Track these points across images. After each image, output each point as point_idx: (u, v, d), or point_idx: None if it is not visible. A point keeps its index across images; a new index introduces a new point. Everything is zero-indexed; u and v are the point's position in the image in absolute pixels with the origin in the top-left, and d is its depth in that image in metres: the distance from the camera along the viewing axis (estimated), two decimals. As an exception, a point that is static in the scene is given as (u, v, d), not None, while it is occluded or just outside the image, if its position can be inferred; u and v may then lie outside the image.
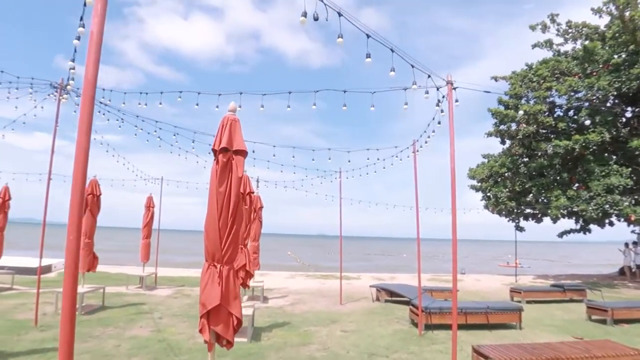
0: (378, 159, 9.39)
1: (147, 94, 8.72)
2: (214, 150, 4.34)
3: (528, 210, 24.66)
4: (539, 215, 25.21)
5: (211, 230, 4.22)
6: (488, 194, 23.47)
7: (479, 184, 24.70)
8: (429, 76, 5.61)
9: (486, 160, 25.52)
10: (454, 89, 5.88)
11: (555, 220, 25.51)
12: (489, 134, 25.50)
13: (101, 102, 9.35)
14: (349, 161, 9.62)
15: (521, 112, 20.51)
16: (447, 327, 9.46)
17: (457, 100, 5.66)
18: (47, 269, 17.96)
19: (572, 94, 20.33)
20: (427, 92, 5.96)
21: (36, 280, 9.16)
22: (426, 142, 7.80)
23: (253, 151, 11.16)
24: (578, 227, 25.08)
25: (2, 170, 15.99)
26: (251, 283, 12.92)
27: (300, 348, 7.78)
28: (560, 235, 25.80)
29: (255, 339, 8.23)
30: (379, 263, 43.20)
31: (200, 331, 4.18)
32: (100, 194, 11.13)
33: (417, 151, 8.53)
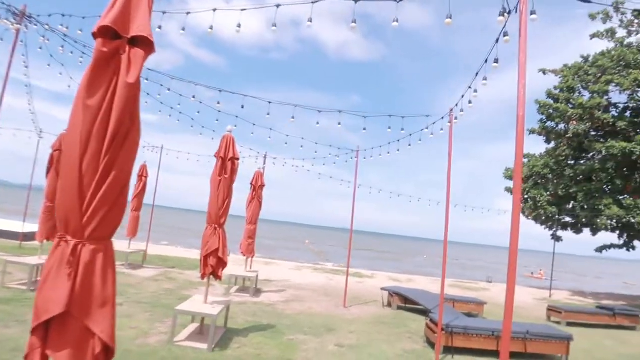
0: (403, 130, 7.31)
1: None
2: (93, 34, 2.38)
3: (567, 219, 22.07)
4: (579, 226, 22.58)
5: (67, 173, 2.28)
6: (526, 197, 20.96)
7: (516, 185, 22.20)
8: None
9: (526, 160, 22.97)
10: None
11: (595, 232, 22.81)
12: (532, 132, 22.92)
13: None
14: (364, 129, 7.57)
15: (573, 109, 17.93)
16: (473, 352, 7.37)
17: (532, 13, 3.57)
18: (32, 236, 16.63)
19: (638, 89, 17.62)
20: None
21: (17, 246, 7.48)
22: (470, 104, 5.69)
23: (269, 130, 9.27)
24: (621, 242, 22.36)
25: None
26: (244, 272, 11.12)
27: (275, 366, 5.86)
28: (600, 250, 23.09)
29: (220, 346, 6.33)
30: (397, 262, 40.98)
31: (26, 358, 2.24)
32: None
33: (456, 119, 6.43)
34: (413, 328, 9.10)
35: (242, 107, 7.85)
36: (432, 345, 7.63)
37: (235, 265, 12.39)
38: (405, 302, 10.99)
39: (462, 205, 19.59)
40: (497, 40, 4.48)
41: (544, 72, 23.58)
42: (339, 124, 7.35)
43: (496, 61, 4.90)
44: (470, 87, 5.50)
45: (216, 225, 6.67)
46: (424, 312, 10.44)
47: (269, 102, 7.30)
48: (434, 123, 7.48)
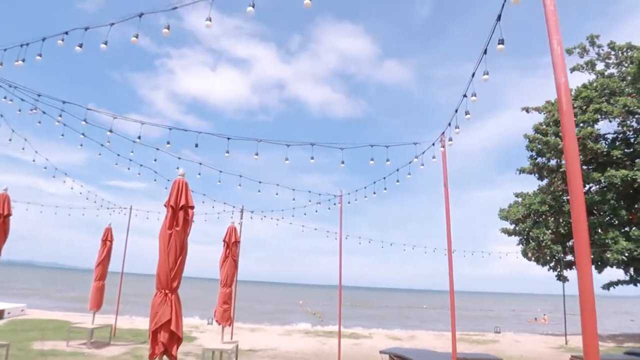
0: (388, 162, 6.22)
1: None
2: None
3: (570, 257, 20.82)
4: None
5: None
6: (527, 237, 19.79)
7: (514, 226, 21.06)
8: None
9: (520, 199, 22.02)
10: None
11: (601, 269, 21.57)
12: (522, 171, 22.17)
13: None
14: (343, 163, 6.45)
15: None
16: None
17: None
18: (-2, 314, 15.21)
19: (628, 115, 17.03)
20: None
21: None
22: (467, 116, 4.65)
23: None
24: (627, 277, 21.10)
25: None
26: (219, 345, 9.58)
27: None
28: (607, 287, 21.76)
29: None
30: (396, 317, 38.86)
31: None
32: (8, 214, 8.07)
33: (449, 143, 5.36)
34: (422, 400, 7.57)
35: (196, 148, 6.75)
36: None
37: (216, 335, 10.80)
38: (410, 365, 9.43)
39: (460, 250, 18.31)
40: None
41: (527, 110, 23.21)
42: (312, 158, 6.24)
43: (486, 73, 3.98)
44: (465, 95, 4.49)
45: (167, 291, 5.34)
46: (433, 377, 8.92)
47: (228, 139, 6.20)
48: (423, 153, 6.42)
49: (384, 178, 7.22)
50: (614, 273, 21.92)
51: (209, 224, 12.92)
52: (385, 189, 7.46)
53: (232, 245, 9.79)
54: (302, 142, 6.32)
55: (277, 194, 9.03)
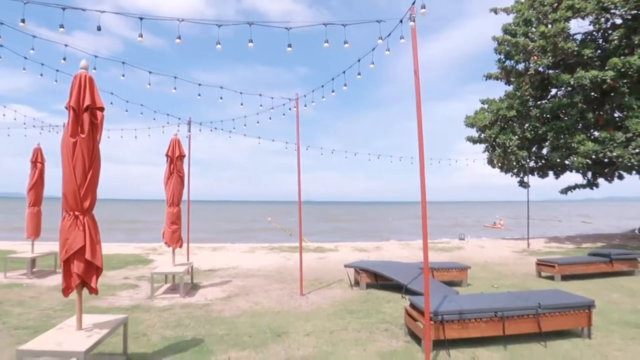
0: (346, 44, 5.08)
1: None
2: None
3: (532, 164, 20.77)
4: (545, 169, 21.41)
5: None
6: (493, 144, 19.39)
7: (480, 133, 20.58)
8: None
9: (486, 106, 21.38)
10: None
11: (559, 175, 21.78)
12: (489, 76, 21.29)
13: None
14: (290, 46, 5.26)
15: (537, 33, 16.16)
16: (472, 342, 5.46)
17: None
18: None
19: (602, 12, 16.02)
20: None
21: None
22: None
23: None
24: (585, 181, 21.44)
25: None
26: (170, 268, 8.80)
27: None
28: (565, 191, 22.15)
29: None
30: (362, 230, 39.52)
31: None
32: None
33: (421, 12, 4.25)
34: (388, 314, 7.10)
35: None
36: (416, 338, 5.65)
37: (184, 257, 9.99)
38: (376, 278, 9.00)
39: (427, 159, 17.76)
40: None
41: (495, 11, 21.87)
42: (250, 41, 5.02)
43: None
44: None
45: (77, 212, 4.30)
46: (400, 288, 8.51)
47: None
48: (389, 35, 5.27)
49: (344, 72, 6.11)
50: (572, 178, 22.21)
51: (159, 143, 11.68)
52: (345, 85, 6.38)
53: (176, 159, 8.68)
54: (238, 21, 5.03)
55: (221, 99, 7.79)
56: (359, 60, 5.77)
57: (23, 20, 5.53)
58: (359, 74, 5.90)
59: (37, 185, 10.96)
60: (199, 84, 7.47)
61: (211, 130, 10.43)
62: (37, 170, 10.91)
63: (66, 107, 4.40)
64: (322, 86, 6.86)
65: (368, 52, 5.49)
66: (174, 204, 8.73)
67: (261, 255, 14.98)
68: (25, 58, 7.46)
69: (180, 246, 8.96)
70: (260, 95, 8.04)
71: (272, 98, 8.21)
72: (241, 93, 7.98)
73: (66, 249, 4.27)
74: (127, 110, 9.60)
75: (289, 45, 5.38)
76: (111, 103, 9.18)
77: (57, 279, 10.13)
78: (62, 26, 5.62)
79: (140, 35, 5.49)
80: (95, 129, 4.41)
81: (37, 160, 10.94)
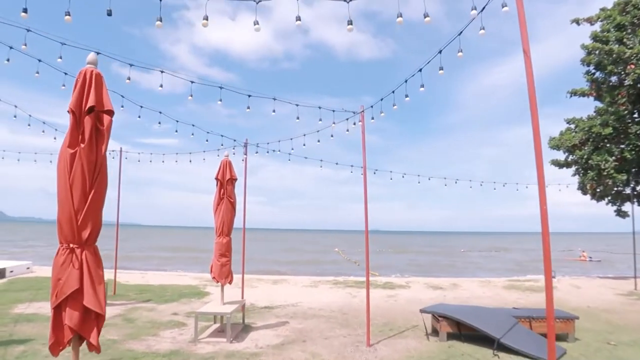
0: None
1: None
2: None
3: (627, 191, 17.97)
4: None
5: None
6: (585, 165, 17.05)
7: (568, 155, 18.27)
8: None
9: (573, 126, 19.05)
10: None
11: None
12: (573, 93, 19.06)
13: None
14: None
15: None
16: None
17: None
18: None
19: None
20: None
21: None
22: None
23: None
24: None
25: None
26: (217, 308, 7.81)
27: None
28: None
29: None
30: (434, 261, 37.06)
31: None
32: None
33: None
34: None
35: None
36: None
37: (236, 289, 9.05)
38: (459, 327, 7.43)
39: (512, 184, 15.97)
40: None
41: (577, 22, 19.76)
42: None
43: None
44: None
45: (73, 245, 3.35)
46: (490, 341, 6.90)
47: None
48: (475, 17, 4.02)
49: (419, 70, 4.91)
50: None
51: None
52: (407, 96, 5.22)
53: (226, 183, 7.80)
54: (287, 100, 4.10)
55: (274, 112, 6.87)
56: (441, 54, 4.55)
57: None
58: (422, 86, 4.70)
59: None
60: (249, 95, 6.56)
61: (267, 152, 9.55)
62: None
63: (68, 112, 3.53)
64: (393, 92, 5.71)
65: (435, 54, 4.28)
66: (223, 234, 7.79)
67: (324, 290, 13.72)
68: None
69: (230, 282, 7.96)
70: (320, 107, 7.00)
71: (333, 111, 7.13)
72: (297, 105, 6.99)
73: (57, 292, 3.31)
74: (192, 134, 9.02)
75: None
76: (176, 131, 8.62)
77: (107, 311, 9.48)
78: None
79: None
80: (100, 137, 3.48)
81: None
